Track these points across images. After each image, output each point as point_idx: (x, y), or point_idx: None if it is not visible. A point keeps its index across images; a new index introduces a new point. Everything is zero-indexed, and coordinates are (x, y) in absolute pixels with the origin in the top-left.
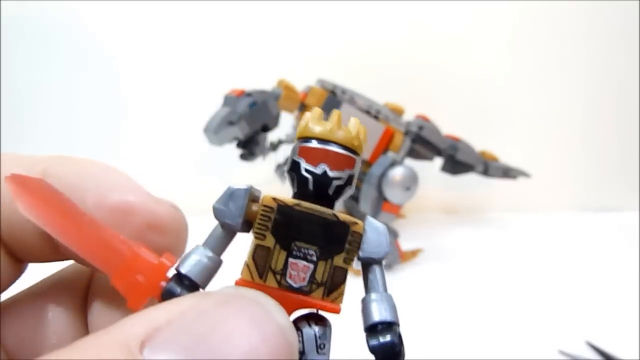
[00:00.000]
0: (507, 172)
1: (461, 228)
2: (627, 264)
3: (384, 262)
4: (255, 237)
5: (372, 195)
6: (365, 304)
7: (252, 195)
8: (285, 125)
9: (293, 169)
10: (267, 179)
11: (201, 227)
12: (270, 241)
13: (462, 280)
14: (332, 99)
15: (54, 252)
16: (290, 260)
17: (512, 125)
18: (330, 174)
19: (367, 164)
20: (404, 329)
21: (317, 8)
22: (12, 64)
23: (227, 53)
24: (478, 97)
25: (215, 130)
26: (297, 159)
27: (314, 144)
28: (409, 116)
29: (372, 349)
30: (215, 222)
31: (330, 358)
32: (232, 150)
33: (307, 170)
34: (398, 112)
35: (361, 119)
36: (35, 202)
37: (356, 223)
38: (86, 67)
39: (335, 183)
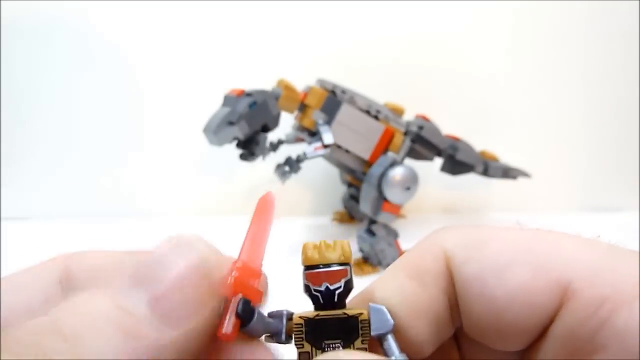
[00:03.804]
0: (507, 172)
1: None
2: None
3: (390, 333)
4: (297, 347)
5: (372, 195)
6: None
7: (288, 316)
8: (285, 125)
9: (307, 291)
10: (267, 179)
11: (200, 227)
12: (307, 347)
13: None
14: (332, 99)
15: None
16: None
17: (512, 125)
18: (331, 287)
19: (367, 164)
20: None
21: (317, 8)
22: (12, 64)
23: (227, 53)
24: (478, 97)
25: (215, 130)
26: (306, 283)
27: (314, 270)
28: (409, 116)
29: None
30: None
31: None
32: (232, 150)
33: (315, 290)
34: (398, 112)
35: (361, 119)
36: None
37: (361, 313)
38: (86, 68)
39: (337, 292)
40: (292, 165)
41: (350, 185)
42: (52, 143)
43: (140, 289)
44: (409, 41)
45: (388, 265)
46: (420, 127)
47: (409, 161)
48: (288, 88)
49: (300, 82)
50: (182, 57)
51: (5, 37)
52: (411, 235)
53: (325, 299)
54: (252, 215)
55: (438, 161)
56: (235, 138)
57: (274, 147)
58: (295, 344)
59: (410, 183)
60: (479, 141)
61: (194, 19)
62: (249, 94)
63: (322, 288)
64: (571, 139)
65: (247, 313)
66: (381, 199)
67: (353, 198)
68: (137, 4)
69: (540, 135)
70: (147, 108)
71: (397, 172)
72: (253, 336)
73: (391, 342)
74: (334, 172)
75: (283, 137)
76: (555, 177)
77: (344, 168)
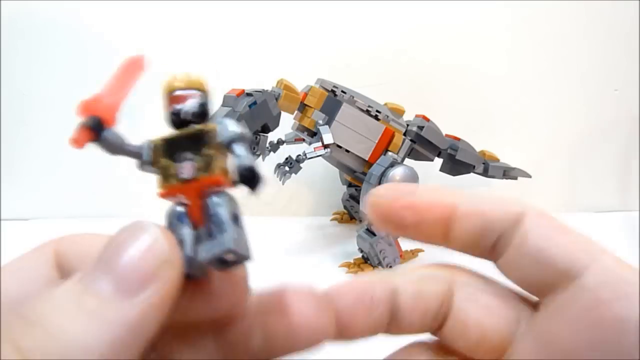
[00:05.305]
0: (508, 172)
1: None
2: None
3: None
4: (155, 164)
5: None
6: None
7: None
8: (286, 125)
9: (168, 116)
10: (267, 179)
11: None
12: (165, 161)
13: None
14: (332, 99)
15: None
16: (179, 164)
17: (512, 125)
18: (178, 106)
19: (367, 164)
20: None
21: (317, 8)
22: (12, 64)
23: (227, 53)
24: (478, 97)
25: None
26: (167, 108)
27: (168, 95)
28: (409, 116)
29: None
30: None
31: None
32: None
33: (172, 113)
34: (398, 112)
35: (361, 119)
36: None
37: (212, 127)
38: (86, 68)
39: (190, 111)
40: (292, 165)
41: (350, 185)
42: (52, 143)
43: (103, 271)
44: (409, 41)
45: (388, 265)
46: (420, 127)
47: (409, 161)
48: (288, 88)
49: (300, 82)
50: (182, 57)
51: (5, 37)
52: None
53: (179, 117)
54: (121, 67)
55: (438, 161)
56: None
57: (274, 147)
58: (154, 161)
59: (410, 183)
60: (479, 141)
61: (194, 19)
62: (249, 94)
63: (174, 109)
64: (571, 139)
65: (95, 126)
66: None
67: (353, 198)
68: (137, 4)
69: (541, 135)
70: (146, 108)
71: (397, 172)
72: (112, 150)
73: (237, 147)
74: (334, 172)
75: (283, 137)
76: (555, 177)
77: (344, 168)
